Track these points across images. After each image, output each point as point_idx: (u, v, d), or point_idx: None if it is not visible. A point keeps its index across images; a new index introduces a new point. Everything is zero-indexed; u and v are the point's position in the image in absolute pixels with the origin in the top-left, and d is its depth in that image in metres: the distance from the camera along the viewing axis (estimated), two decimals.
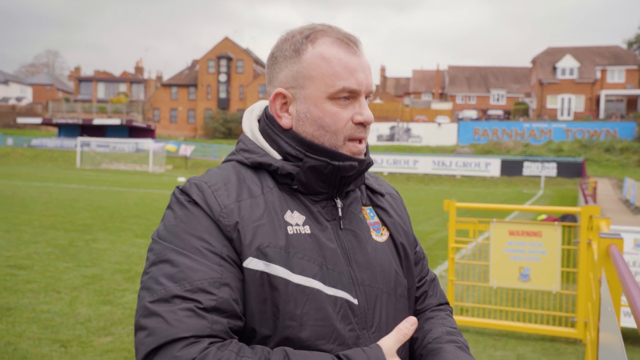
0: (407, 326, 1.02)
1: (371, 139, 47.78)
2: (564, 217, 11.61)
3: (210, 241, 0.98)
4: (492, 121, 48.21)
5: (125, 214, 13.24)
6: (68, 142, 49.66)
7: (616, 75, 51.79)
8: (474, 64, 72.37)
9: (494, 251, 5.35)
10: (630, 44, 57.91)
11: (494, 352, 4.77)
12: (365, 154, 1.13)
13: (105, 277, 6.72)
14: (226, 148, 45.70)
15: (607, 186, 29.85)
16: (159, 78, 68.26)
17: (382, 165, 39.87)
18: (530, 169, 36.83)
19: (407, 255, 1.19)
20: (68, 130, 53.23)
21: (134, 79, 65.99)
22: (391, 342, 1.00)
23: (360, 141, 1.10)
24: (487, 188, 33.24)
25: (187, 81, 60.96)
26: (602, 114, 49.28)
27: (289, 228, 1.03)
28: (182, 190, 1.05)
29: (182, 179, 31.78)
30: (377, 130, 48.41)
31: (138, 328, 0.93)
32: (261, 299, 0.98)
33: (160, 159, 44.54)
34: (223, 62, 58.52)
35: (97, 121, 52.26)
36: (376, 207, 1.20)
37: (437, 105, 58.74)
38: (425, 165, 39.37)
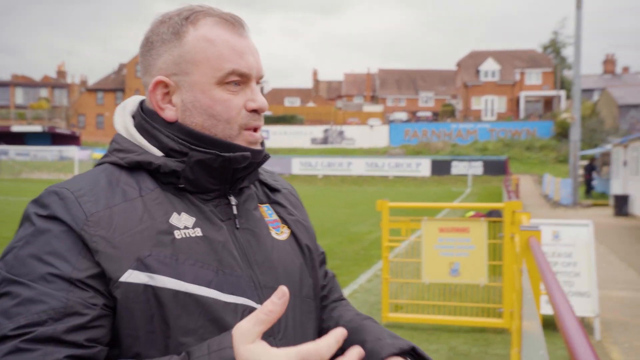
0: (275, 300, 0.78)
1: (305, 142, 48.04)
2: (490, 213, 12.12)
3: (56, 264, 0.83)
4: (422, 123, 49.75)
5: None
6: None
7: (534, 77, 54.85)
8: (402, 67, 74.33)
9: (426, 248, 5.54)
10: (545, 48, 61.50)
11: (428, 346, 4.93)
12: (261, 145, 1.02)
13: None
14: None
15: (529, 182, 31.53)
16: (84, 82, 65.51)
17: (317, 168, 40.14)
18: (458, 168, 38.24)
19: (311, 253, 1.10)
20: None
21: (56, 83, 62.91)
22: (250, 324, 0.77)
23: (255, 130, 0.99)
24: (418, 187, 34.21)
25: (114, 85, 58.89)
26: (522, 114, 51.99)
27: (177, 232, 0.91)
28: (36, 201, 0.90)
29: None
30: (311, 134, 48.71)
31: None
32: (147, 316, 0.86)
33: (87, 167, 42.68)
34: None
35: (16, 128, 49.45)
36: (274, 204, 1.10)
37: (368, 108, 59.87)
38: (358, 167, 39.98)
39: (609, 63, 54.55)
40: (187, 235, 0.92)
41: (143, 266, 0.87)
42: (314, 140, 48.54)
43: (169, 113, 0.97)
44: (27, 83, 62.81)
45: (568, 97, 48.86)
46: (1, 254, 0.88)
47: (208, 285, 0.90)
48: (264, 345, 0.77)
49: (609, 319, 5.89)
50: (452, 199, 23.93)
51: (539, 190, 28.46)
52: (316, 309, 1.09)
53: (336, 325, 1.08)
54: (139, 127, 0.99)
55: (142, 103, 1.05)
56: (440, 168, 38.63)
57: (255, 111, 0.99)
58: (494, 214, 12.14)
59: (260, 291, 0.96)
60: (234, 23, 0.98)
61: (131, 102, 1.06)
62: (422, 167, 39.08)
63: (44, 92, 61.69)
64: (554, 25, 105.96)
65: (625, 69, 55.45)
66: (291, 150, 44.92)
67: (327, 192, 28.49)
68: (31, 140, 50.22)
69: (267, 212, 1.08)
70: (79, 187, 0.91)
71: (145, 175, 0.96)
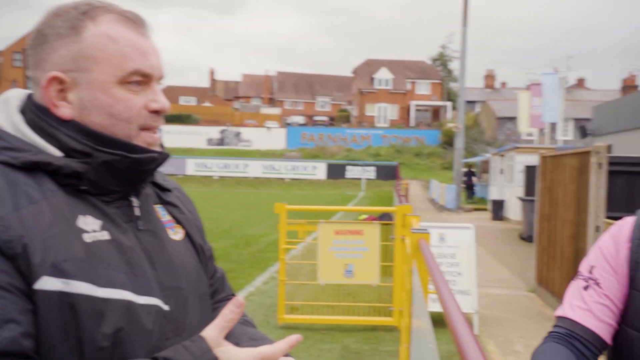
0: (233, 309, 0.89)
1: (201, 143, 46.99)
2: (382, 216, 12.66)
3: None
4: (318, 127, 50.73)
5: None
6: None
7: (423, 87, 58.05)
8: (299, 71, 75.16)
9: (322, 250, 5.66)
10: (434, 60, 65.32)
11: (322, 346, 5.04)
12: (160, 147, 1.02)
13: None
14: None
15: (417, 187, 33.28)
16: None
17: (213, 169, 39.44)
18: (352, 172, 39.44)
19: (204, 252, 1.13)
20: None
21: None
22: (215, 331, 0.88)
23: (154, 131, 0.98)
24: (314, 190, 34.78)
25: None
26: (412, 122, 54.77)
27: (85, 235, 0.88)
28: None
29: None
30: (207, 134, 47.75)
31: None
32: (61, 324, 0.83)
33: None
34: None
35: None
36: (166, 204, 1.09)
37: (266, 110, 59.94)
38: (255, 169, 39.87)
39: (489, 78, 59.02)
40: (97, 239, 0.90)
41: (58, 272, 0.83)
42: (210, 141, 47.63)
43: (64, 110, 0.93)
44: None
45: (454, 107, 52.22)
46: None
47: (123, 287, 0.89)
48: (232, 346, 0.90)
49: (486, 315, 6.38)
50: (347, 202, 24.62)
51: (426, 194, 30.12)
52: (212, 306, 1.12)
53: None
54: (33, 125, 0.93)
55: (30, 97, 0.97)
56: (336, 172, 39.60)
57: (156, 112, 0.97)
58: (385, 217, 12.69)
59: (166, 292, 0.96)
60: (136, 21, 0.97)
61: (14, 96, 0.98)
62: (318, 170, 39.81)
63: None
64: (442, 40, 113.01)
65: (504, 84, 60.31)
66: (186, 151, 43.71)
67: (223, 194, 28.09)
68: None
69: (161, 213, 1.07)
70: None
71: (44, 176, 0.90)
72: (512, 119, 39.54)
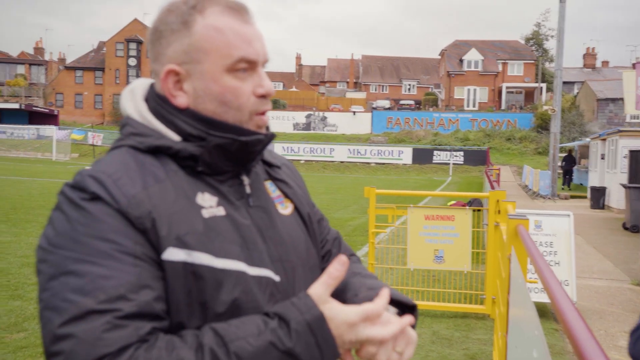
0: (337, 267, 0.92)
1: (288, 127, 47.88)
2: (471, 202, 12.34)
3: (118, 240, 0.87)
4: (404, 111, 49.92)
5: (29, 205, 12.44)
6: None
7: (515, 68, 55.34)
8: (384, 54, 74.06)
9: (411, 235, 5.62)
10: (527, 40, 61.99)
11: None
12: (266, 129, 1.07)
13: (12, 272, 6.32)
14: None
15: (508, 173, 31.99)
16: (62, 60, 64.04)
17: (299, 153, 40.09)
18: (439, 157, 38.57)
19: (313, 224, 1.17)
20: None
21: (34, 60, 61.49)
22: (321, 288, 0.91)
23: (263, 114, 1.04)
24: (400, 175, 34.44)
25: (94, 64, 57.76)
26: (503, 105, 52.50)
27: (204, 211, 0.96)
28: (75, 186, 0.93)
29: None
30: (294, 119, 48.55)
31: (50, 355, 0.82)
32: (186, 290, 0.91)
33: (65, 147, 41.97)
34: (132, 45, 56.00)
35: None
36: (275, 180, 1.15)
37: (352, 95, 59.85)
38: (341, 153, 40.07)
39: (589, 57, 55.27)
40: (214, 215, 0.97)
41: (182, 244, 0.91)
42: (296, 126, 48.42)
43: (180, 100, 1.00)
44: (3, 59, 61.28)
45: (549, 89, 49.47)
46: (44, 241, 0.90)
47: (237, 259, 0.96)
48: (337, 303, 0.92)
49: (586, 307, 6.07)
50: (434, 187, 24.16)
51: (518, 180, 28.89)
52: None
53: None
54: (155, 112, 1.02)
55: (152, 87, 1.06)
56: (422, 156, 38.91)
57: (263, 96, 1.02)
58: (474, 202, 12.35)
59: (277, 264, 1.03)
60: (239, 10, 1.02)
61: (140, 86, 1.08)
62: (404, 155, 39.31)
63: (20, 69, 60.27)
64: (537, 18, 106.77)
65: (605, 63, 56.23)
66: None
67: (309, 178, 28.52)
68: (8, 117, 49.16)
69: (271, 189, 1.13)
70: (113, 170, 0.94)
71: (166, 158, 0.99)
72: (615, 100, 36.82)
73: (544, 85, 51.81)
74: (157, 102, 1.02)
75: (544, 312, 5.63)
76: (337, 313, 0.90)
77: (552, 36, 60.35)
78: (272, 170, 1.16)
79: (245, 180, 1.06)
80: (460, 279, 6.44)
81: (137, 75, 56.18)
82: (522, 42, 60.70)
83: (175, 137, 1.00)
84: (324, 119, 48.58)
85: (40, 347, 4.09)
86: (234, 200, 1.02)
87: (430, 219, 5.62)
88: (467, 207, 5.63)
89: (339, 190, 21.36)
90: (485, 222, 5.73)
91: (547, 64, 58.81)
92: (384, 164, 39.11)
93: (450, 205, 11.45)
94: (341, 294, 1.10)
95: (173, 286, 0.91)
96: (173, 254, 0.91)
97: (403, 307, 1.10)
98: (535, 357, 1.61)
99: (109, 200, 0.90)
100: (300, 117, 48.73)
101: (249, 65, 1.00)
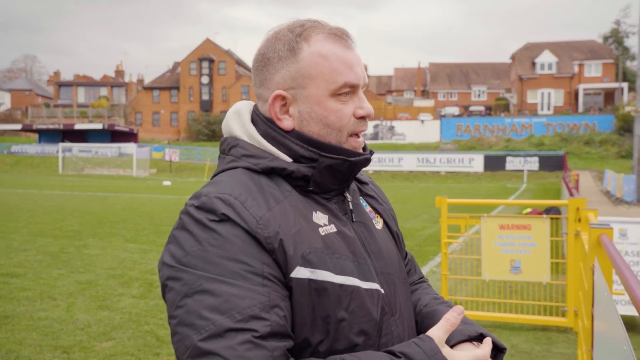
0: (455, 315, 1.02)
1: None
2: (548, 210, 11.82)
3: (248, 262, 0.92)
4: (474, 117, 48.71)
5: (113, 219, 13.17)
6: (49, 148, 49.03)
7: (593, 69, 52.69)
8: (451, 61, 72.77)
9: (486, 245, 5.48)
10: (606, 38, 58.92)
11: None
12: (363, 149, 1.13)
13: (100, 283, 6.72)
14: (210, 150, 45.51)
15: (588, 178, 30.38)
16: (140, 81, 67.68)
17: None
18: (512, 163, 37.29)
19: (400, 239, 1.24)
20: (49, 135, 52.53)
21: (115, 82, 65.34)
22: (441, 333, 0.99)
23: (358, 135, 1.09)
24: (471, 183, 33.56)
25: (169, 84, 60.55)
26: (580, 108, 50.08)
27: (320, 229, 1.02)
28: (202, 208, 0.96)
29: (167, 183, 31.58)
30: None
31: None
32: (311, 306, 0.96)
33: (144, 163, 44.21)
34: (205, 64, 58.25)
35: (79, 126, 51.65)
36: (366, 196, 1.21)
37: (419, 103, 59.10)
38: (409, 162, 39.64)
39: None
40: (328, 232, 1.03)
41: (306, 262, 0.97)
42: (364, 136, 47.96)
43: (286, 123, 1.06)
44: (88, 82, 65.53)
45: (631, 89, 46.70)
46: (172, 259, 0.95)
47: (351, 274, 1.01)
48: (449, 349, 1.00)
49: None
50: (507, 195, 23.36)
51: (599, 186, 27.38)
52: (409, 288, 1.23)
53: (416, 306, 1.21)
54: (265, 135, 1.07)
55: (256, 109, 1.12)
56: (494, 163, 37.77)
57: (362, 117, 1.08)
58: (552, 210, 11.82)
59: (380, 277, 1.08)
60: (341, 36, 1.07)
61: (245, 109, 1.13)
62: (475, 162, 38.32)
63: (103, 91, 64.21)
64: (616, 14, 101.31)
65: None
66: None
67: None
68: (92, 137, 52.43)
69: (364, 205, 1.19)
70: (238, 192, 0.99)
71: (279, 179, 1.05)
72: None
73: (625, 84, 49.00)
74: (267, 124, 1.08)
75: (633, 325, 5.30)
76: (454, 358, 0.98)
77: (633, 33, 57.10)
78: (362, 187, 1.22)
79: (348, 197, 1.13)
80: (539, 290, 6.19)
81: (210, 93, 58.38)
82: (600, 41, 57.76)
83: (286, 158, 1.05)
84: (391, 128, 48.29)
85: (128, 355, 4.33)
86: (341, 217, 1.08)
87: (506, 228, 5.45)
88: (544, 216, 5.41)
89: (408, 199, 21.12)
90: (564, 230, 5.48)
91: (628, 63, 55.58)
92: (454, 172, 38.28)
93: (526, 214, 11.05)
94: (428, 323, 1.14)
95: (300, 303, 0.96)
96: (300, 272, 0.96)
97: (495, 349, 1.12)
98: None
99: (238, 222, 0.94)
100: (368, 126, 48.63)
101: (351, 89, 1.06)
